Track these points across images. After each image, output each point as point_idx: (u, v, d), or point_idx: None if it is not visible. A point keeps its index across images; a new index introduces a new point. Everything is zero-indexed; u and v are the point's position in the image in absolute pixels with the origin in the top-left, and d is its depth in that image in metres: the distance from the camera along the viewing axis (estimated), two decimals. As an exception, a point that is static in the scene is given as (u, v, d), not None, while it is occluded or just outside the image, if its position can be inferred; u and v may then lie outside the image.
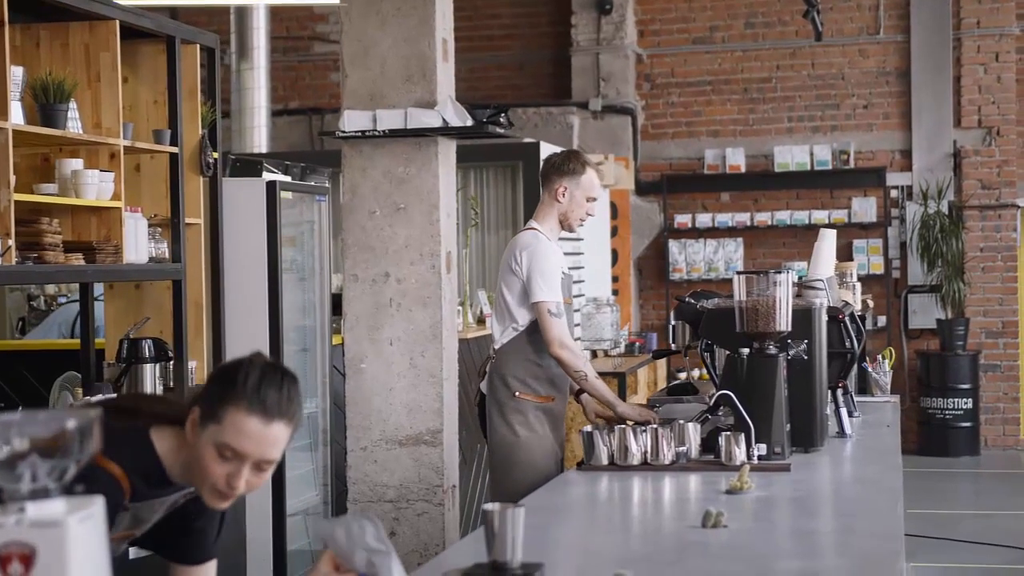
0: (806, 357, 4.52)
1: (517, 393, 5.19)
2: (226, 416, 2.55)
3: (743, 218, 12.77)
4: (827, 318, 4.80)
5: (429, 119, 5.85)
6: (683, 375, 12.40)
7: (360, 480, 5.80)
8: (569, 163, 5.30)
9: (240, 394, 2.56)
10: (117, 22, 5.14)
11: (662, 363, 11.38)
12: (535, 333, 5.20)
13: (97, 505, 1.80)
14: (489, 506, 2.74)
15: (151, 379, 5.37)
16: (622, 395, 9.01)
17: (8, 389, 6.27)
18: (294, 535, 6.54)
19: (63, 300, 8.52)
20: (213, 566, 2.95)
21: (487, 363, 5.39)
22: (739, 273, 4.46)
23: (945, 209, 12.34)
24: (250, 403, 2.55)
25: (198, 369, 5.81)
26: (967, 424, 12.21)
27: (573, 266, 10.14)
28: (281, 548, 6.26)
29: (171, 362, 5.53)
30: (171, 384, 5.56)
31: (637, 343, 11.29)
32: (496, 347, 5.29)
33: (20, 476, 1.75)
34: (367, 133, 5.86)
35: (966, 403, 12.18)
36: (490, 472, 5.43)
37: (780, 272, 4.42)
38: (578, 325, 9.77)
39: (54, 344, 6.83)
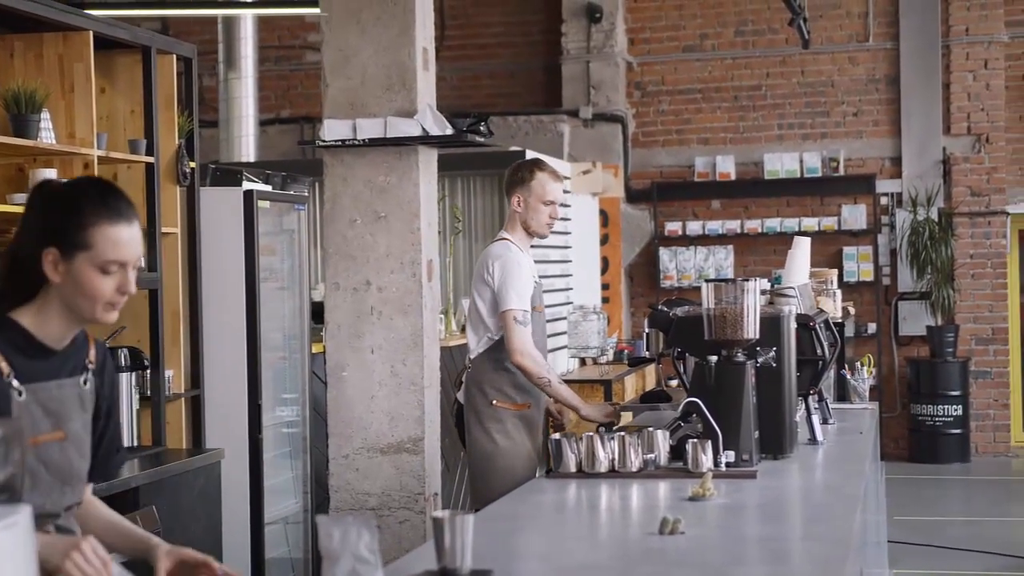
0: (775, 364, 4.53)
1: (494, 402, 5.29)
2: (93, 239, 2.67)
3: (733, 226, 12.79)
4: (798, 325, 4.82)
5: (409, 128, 5.87)
6: (674, 383, 12.40)
7: (342, 488, 5.81)
8: (518, 172, 5.45)
9: (95, 214, 2.67)
10: (91, 33, 5.17)
11: (651, 370, 11.38)
12: None
13: (23, 513, 1.82)
14: (438, 513, 2.76)
15: (127, 388, 5.38)
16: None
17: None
18: (273, 543, 6.55)
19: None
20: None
21: (463, 373, 5.44)
22: (708, 281, 4.48)
23: (935, 216, 12.35)
24: (110, 218, 2.68)
25: (175, 378, 5.83)
26: (957, 431, 12.22)
27: (561, 273, 10.18)
28: (259, 556, 6.27)
29: (147, 371, 5.54)
30: (148, 393, 5.57)
31: (626, 351, 11.30)
32: (471, 356, 5.38)
33: (-57, 484, 1.77)
34: (347, 142, 5.88)
35: (956, 410, 12.19)
36: (470, 480, 5.47)
37: (748, 280, 4.43)
38: (563, 333, 9.79)
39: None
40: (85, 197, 2.70)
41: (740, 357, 4.42)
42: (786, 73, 12.93)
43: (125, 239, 2.69)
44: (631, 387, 9.98)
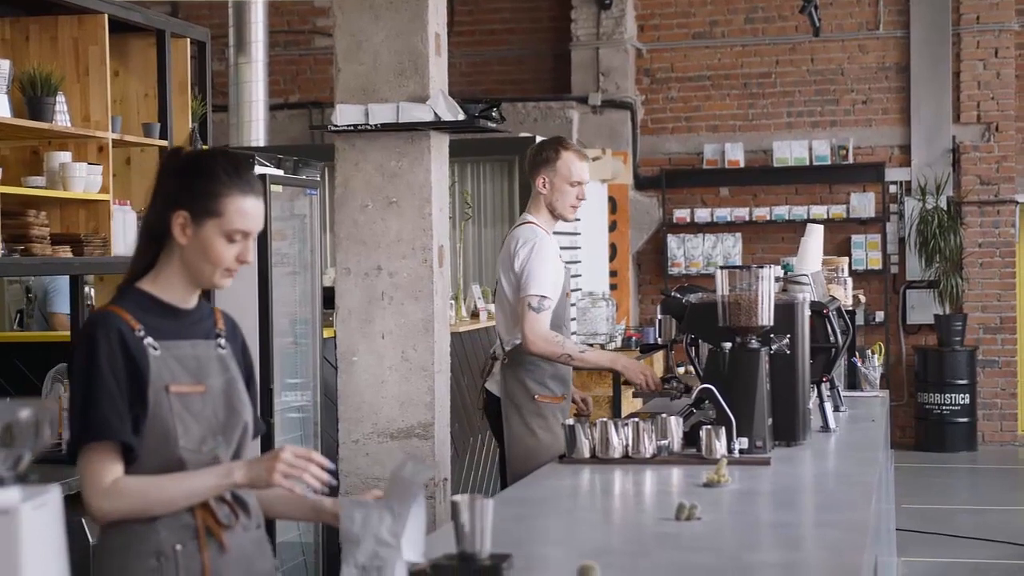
0: (788, 351, 4.53)
1: (537, 396, 5.13)
2: (224, 207, 2.79)
3: (742, 213, 12.79)
4: (811, 313, 4.82)
5: (421, 113, 5.86)
6: (681, 370, 12.41)
7: (352, 473, 5.82)
8: (543, 152, 5.27)
9: (228, 185, 2.80)
10: (106, 16, 5.17)
11: (659, 357, 11.39)
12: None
13: (53, 494, 1.82)
14: (457, 498, 2.76)
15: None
16: (616, 389, 9.00)
17: (3, 380, 6.29)
18: (284, 527, 6.57)
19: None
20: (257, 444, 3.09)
21: (491, 364, 5.28)
22: (722, 267, 4.47)
23: (943, 205, 12.35)
24: (242, 189, 2.81)
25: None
26: (964, 419, 12.23)
27: (570, 260, 10.17)
28: (271, 540, 6.27)
29: (160, 354, 5.54)
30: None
31: (634, 337, 11.30)
32: (507, 348, 5.20)
33: (-26, 464, 1.77)
34: (359, 127, 5.87)
35: (963, 398, 12.20)
36: (509, 475, 5.40)
37: (763, 267, 4.43)
38: (574, 319, 9.80)
39: (48, 336, 6.84)
40: (221, 167, 2.82)
41: (754, 344, 4.41)
42: (796, 61, 12.91)
43: (253, 211, 2.82)
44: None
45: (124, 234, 5.25)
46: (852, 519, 3.32)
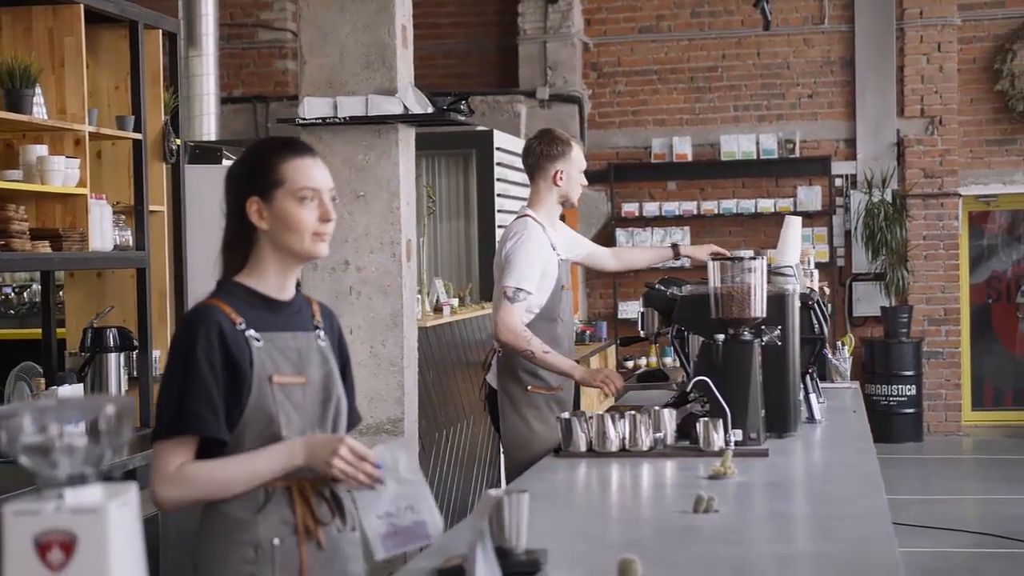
0: (780, 343, 4.54)
1: (529, 387, 5.15)
2: (284, 173, 2.84)
3: (690, 207, 12.83)
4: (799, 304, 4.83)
5: (390, 106, 5.82)
6: (630, 364, 12.45)
7: (321, 470, 5.76)
8: (557, 147, 5.30)
9: (280, 154, 2.86)
10: (81, 6, 5.06)
11: (612, 351, 11.44)
12: (541, 324, 5.13)
13: (132, 491, 1.78)
14: (494, 492, 2.73)
15: (115, 368, 5.30)
16: (576, 386, 8.97)
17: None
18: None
19: (8, 290, 8.39)
20: None
21: (491, 355, 5.27)
22: (714, 259, 4.46)
23: (889, 198, 12.47)
24: (292, 152, 2.87)
25: (162, 358, 5.74)
26: (910, 410, 12.37)
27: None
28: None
29: (135, 351, 5.46)
30: (135, 374, 5.49)
31: (587, 332, 11.34)
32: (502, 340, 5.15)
33: (57, 462, 1.72)
34: (327, 120, 5.82)
35: (909, 390, 12.33)
36: (506, 466, 5.37)
37: (755, 258, 4.43)
38: (531, 313, 9.77)
39: (14, 334, 6.72)
40: (269, 146, 2.90)
41: (747, 335, 4.41)
42: (742, 55, 12.98)
43: (312, 168, 2.86)
44: (596, 366, 9.99)
45: (101, 229, 5.15)
46: (870, 509, 3.32)
